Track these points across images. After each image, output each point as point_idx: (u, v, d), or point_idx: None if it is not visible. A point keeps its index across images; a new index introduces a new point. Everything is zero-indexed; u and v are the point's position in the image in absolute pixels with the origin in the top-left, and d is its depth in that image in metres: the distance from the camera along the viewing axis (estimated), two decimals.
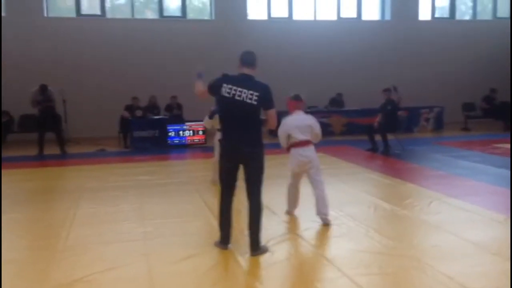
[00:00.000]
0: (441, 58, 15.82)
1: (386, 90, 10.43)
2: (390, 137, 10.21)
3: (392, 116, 10.28)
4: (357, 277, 3.74)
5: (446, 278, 3.69)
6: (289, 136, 5.17)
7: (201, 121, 11.72)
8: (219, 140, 4.40)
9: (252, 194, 4.20)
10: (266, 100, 4.10)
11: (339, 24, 15.43)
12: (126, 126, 11.75)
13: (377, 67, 15.10)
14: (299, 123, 5.18)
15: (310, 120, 5.28)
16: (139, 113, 11.92)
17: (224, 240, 4.35)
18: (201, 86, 4.36)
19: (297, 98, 5.38)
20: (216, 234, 4.47)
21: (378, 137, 10.20)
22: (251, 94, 4.05)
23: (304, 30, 15.01)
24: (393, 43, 15.42)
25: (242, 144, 4.11)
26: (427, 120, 14.17)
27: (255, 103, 4.05)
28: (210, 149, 11.21)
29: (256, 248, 4.20)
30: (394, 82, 13.26)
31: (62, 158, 10.34)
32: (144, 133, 11.49)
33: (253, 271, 3.96)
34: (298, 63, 14.70)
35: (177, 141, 11.66)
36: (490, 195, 6.40)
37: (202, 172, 8.48)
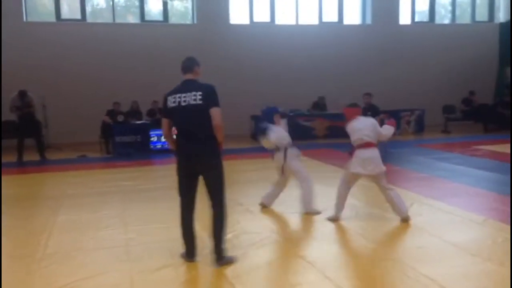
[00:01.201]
0: (421, 62, 16.04)
1: (367, 94, 10.53)
2: None
3: None
4: (339, 280, 3.76)
5: (428, 280, 3.73)
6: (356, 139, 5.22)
7: None
8: (174, 152, 4.19)
9: (214, 205, 4.08)
10: (210, 97, 3.94)
11: (320, 28, 15.55)
12: (107, 131, 11.64)
13: (358, 71, 15.24)
14: (362, 126, 5.27)
15: (371, 121, 5.41)
16: (120, 118, 11.82)
17: (189, 253, 4.22)
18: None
19: (355, 105, 5.55)
20: (199, 241, 4.44)
21: None
22: (194, 95, 3.94)
23: (286, 35, 15.08)
24: (374, 47, 15.58)
25: (197, 154, 3.99)
26: (408, 123, 14.34)
27: (200, 102, 3.92)
28: None
29: (220, 258, 4.06)
30: (375, 85, 13.45)
31: (42, 165, 10.20)
32: (126, 138, 11.39)
33: (236, 276, 3.95)
34: (280, 67, 14.76)
35: (160, 146, 11.59)
36: (470, 196, 6.50)
37: None
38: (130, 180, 8.10)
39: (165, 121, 4.15)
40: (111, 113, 11.83)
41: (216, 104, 3.97)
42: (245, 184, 7.56)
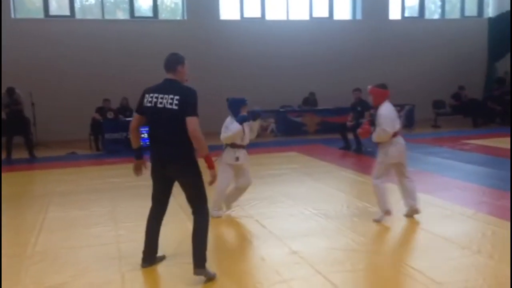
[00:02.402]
0: (411, 57, 16.09)
1: (356, 90, 10.54)
2: None
3: (363, 116, 10.38)
4: (330, 275, 3.77)
5: (417, 272, 3.76)
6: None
7: None
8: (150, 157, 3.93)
9: (193, 212, 3.86)
10: (187, 104, 3.63)
11: (311, 24, 15.54)
12: (97, 128, 11.57)
13: (349, 66, 15.25)
14: (396, 114, 5.26)
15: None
16: (110, 115, 11.75)
17: (145, 258, 4.04)
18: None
19: (385, 86, 5.34)
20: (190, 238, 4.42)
21: (351, 136, 10.31)
22: (171, 99, 3.65)
23: (277, 30, 15.05)
24: (364, 42, 15.60)
25: (169, 159, 3.75)
26: (398, 117, 14.36)
27: (175, 107, 3.63)
28: None
29: (200, 265, 3.73)
30: (366, 81, 13.43)
31: (31, 162, 10.11)
32: (116, 135, 11.32)
33: (228, 271, 3.94)
34: (271, 63, 14.73)
35: None
36: (460, 190, 6.54)
37: None
38: (120, 177, 8.04)
39: (136, 116, 3.95)
40: (101, 110, 11.75)
41: (192, 112, 3.64)
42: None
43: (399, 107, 14.30)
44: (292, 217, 5.44)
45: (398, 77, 15.78)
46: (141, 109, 3.86)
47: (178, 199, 6.38)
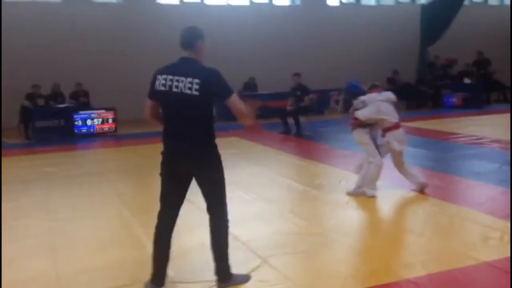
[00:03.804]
0: (348, 42, 16.41)
1: (296, 74, 10.63)
2: (302, 119, 10.46)
3: (302, 100, 10.51)
4: (270, 258, 3.79)
5: (351, 251, 3.87)
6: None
7: (111, 109, 11.39)
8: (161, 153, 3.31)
9: (212, 214, 3.35)
10: (215, 87, 3.13)
11: (251, 9, 15.48)
12: (27, 116, 10.99)
13: (288, 51, 15.35)
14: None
15: None
16: (41, 101, 11.18)
17: (156, 279, 3.31)
18: None
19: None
20: (129, 227, 4.30)
21: (291, 120, 10.41)
22: (190, 83, 3.09)
23: (217, 15, 14.85)
24: (303, 27, 15.74)
25: (187, 154, 3.18)
26: (336, 102, 14.65)
27: (196, 93, 3.08)
28: (122, 137, 10.90)
29: (224, 279, 3.33)
30: (305, 65, 13.61)
31: None
32: (48, 122, 10.85)
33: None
34: (210, 48, 14.30)
35: (85, 130, 11.10)
36: (393, 171, 6.74)
37: (114, 161, 8.16)
38: (53, 166, 7.69)
39: (149, 104, 3.31)
40: (31, 97, 11.16)
41: (227, 92, 3.14)
42: None
43: (337, 91, 14.63)
44: (233, 202, 5.35)
45: (336, 62, 16.10)
46: (153, 93, 3.25)
47: (115, 186, 6.26)
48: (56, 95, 11.77)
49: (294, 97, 10.48)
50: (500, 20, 17.42)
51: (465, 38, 16.75)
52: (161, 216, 3.35)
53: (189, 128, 3.16)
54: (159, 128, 3.32)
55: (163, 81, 3.18)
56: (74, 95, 12.01)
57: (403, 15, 16.99)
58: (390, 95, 5.69)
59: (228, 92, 3.15)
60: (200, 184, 3.29)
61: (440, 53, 16.12)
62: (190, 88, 3.10)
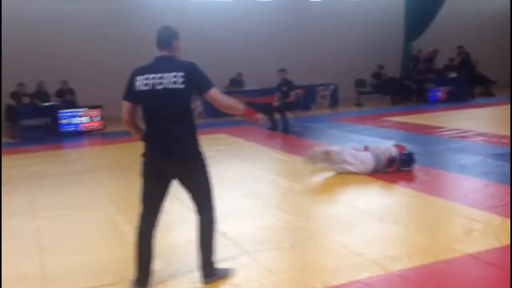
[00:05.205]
0: (333, 37, 16.50)
1: (282, 70, 10.67)
2: (289, 115, 10.51)
3: (288, 96, 10.55)
4: (257, 254, 3.84)
5: (338, 246, 3.92)
6: None
7: (98, 106, 11.33)
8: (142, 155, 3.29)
9: (200, 213, 3.36)
10: (198, 79, 3.19)
11: (235, 4, 15.45)
12: (12, 114, 10.89)
13: (274, 47, 15.40)
14: None
15: None
16: (26, 100, 11.09)
17: (140, 280, 3.30)
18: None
19: None
20: (116, 225, 4.31)
21: (278, 116, 10.45)
22: (175, 76, 3.13)
23: (201, 11, 14.83)
24: (287, 22, 15.77)
25: (174, 152, 3.17)
26: (323, 97, 14.78)
27: (182, 86, 3.12)
28: (109, 135, 10.85)
29: (208, 274, 3.37)
30: (291, 61, 13.66)
31: None
32: (34, 121, 10.76)
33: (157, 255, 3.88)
34: (196, 44, 14.40)
35: (72, 129, 11.04)
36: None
37: (101, 159, 8.15)
38: (39, 165, 7.65)
39: (126, 105, 3.27)
40: (15, 95, 11.07)
41: (208, 84, 3.21)
42: None
43: (323, 86, 14.75)
44: (220, 199, 5.40)
45: (321, 57, 16.19)
46: (133, 94, 3.23)
47: (103, 184, 6.24)
48: (41, 93, 11.68)
49: (280, 93, 10.52)
50: (484, 12, 17.63)
51: (447, 31, 16.90)
52: (143, 217, 3.33)
53: (175, 124, 3.17)
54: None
55: (145, 81, 3.18)
56: (60, 93, 11.93)
57: (387, 9, 17.09)
58: None
59: (209, 84, 3.23)
60: (188, 186, 3.31)
61: (424, 47, 16.25)
62: (175, 82, 3.14)
